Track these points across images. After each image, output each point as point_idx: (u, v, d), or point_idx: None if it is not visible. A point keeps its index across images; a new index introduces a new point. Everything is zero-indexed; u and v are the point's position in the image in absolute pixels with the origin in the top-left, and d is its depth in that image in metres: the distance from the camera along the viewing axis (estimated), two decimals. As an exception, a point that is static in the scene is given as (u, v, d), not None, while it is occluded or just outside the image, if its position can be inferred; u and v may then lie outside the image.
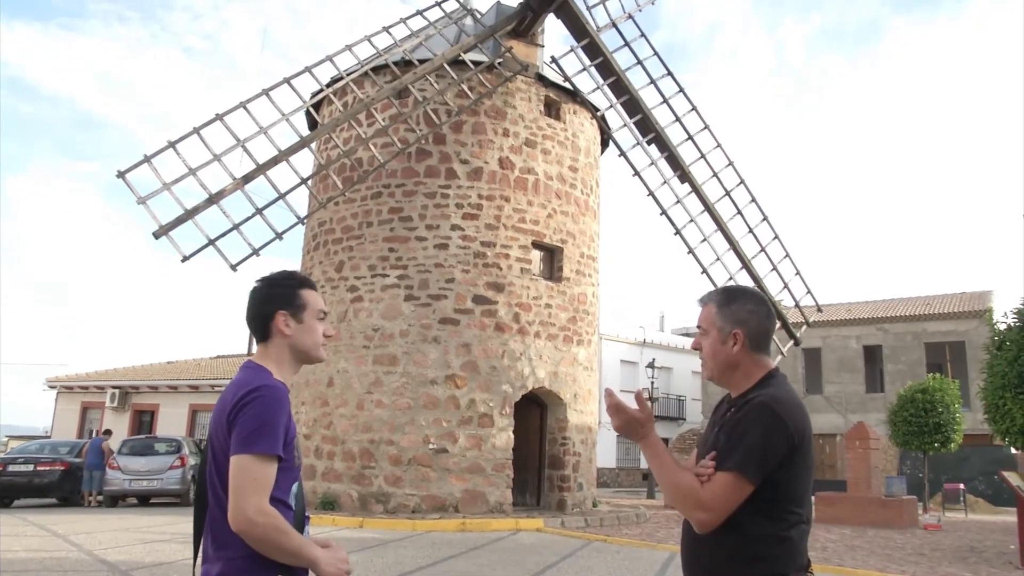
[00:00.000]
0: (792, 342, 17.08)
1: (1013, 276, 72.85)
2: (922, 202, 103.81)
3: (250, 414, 2.08)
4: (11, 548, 9.95)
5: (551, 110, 16.77)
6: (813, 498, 19.29)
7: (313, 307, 2.36)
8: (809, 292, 16.97)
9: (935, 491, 24.20)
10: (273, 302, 2.33)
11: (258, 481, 2.03)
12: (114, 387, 27.79)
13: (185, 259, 12.36)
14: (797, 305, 16.86)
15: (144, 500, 18.18)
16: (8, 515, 14.88)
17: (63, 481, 17.57)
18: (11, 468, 17.20)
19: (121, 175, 12.21)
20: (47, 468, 17.53)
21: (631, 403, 2.28)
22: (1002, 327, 13.35)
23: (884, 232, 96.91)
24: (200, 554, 2.22)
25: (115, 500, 17.56)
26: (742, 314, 2.31)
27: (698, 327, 2.39)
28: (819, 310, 17.40)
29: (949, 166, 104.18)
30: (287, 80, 13.63)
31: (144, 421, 27.79)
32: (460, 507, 14.12)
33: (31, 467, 17.40)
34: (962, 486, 23.24)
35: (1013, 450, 26.36)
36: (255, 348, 2.45)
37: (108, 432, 19.84)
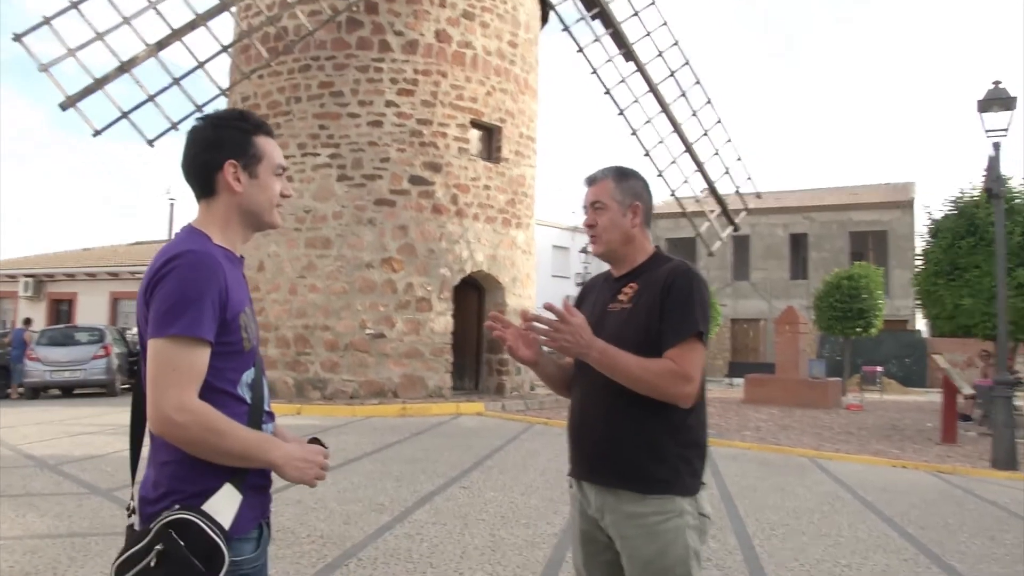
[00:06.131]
0: (732, 228, 17.12)
1: (936, 167, 75.07)
2: (849, 93, 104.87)
3: (166, 289, 1.62)
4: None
5: (491, -20, 15.79)
6: (743, 380, 20.01)
7: (271, 159, 1.83)
8: (750, 178, 16.93)
9: (852, 374, 25.33)
10: (221, 148, 1.78)
11: (178, 371, 1.59)
12: (27, 275, 26.40)
13: (96, 133, 11.41)
14: (738, 191, 16.80)
15: (67, 391, 17.49)
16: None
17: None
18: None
19: (18, 38, 11.05)
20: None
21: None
22: (938, 216, 13.56)
23: (812, 120, 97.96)
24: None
25: (36, 392, 16.83)
26: (638, 188, 2.31)
27: (593, 204, 2.30)
28: (758, 196, 17.39)
29: (874, 56, 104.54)
30: (203, -65, 12.38)
31: (62, 310, 26.62)
32: (399, 392, 13.97)
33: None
34: (880, 368, 24.37)
35: (926, 334, 27.88)
36: (190, 219, 1.90)
37: (28, 321, 18.90)
